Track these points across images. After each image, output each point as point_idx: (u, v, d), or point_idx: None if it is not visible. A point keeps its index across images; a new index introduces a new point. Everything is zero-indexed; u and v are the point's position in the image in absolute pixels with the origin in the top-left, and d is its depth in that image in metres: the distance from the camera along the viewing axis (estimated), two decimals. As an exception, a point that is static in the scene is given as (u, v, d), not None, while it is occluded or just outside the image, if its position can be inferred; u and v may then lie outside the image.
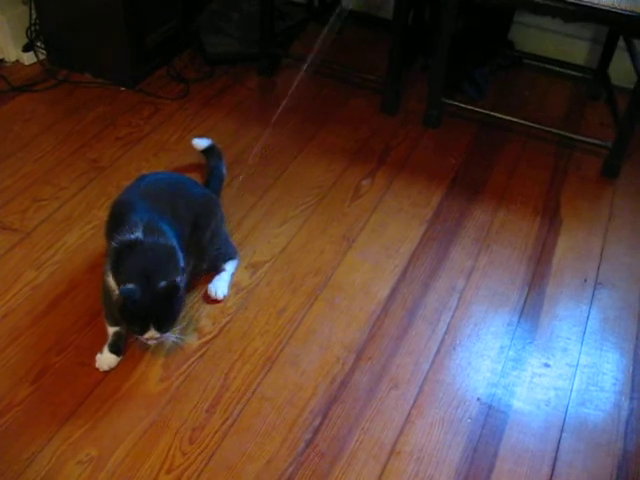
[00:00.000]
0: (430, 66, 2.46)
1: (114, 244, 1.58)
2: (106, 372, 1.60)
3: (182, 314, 1.64)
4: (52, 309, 1.74)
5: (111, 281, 1.57)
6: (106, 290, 1.61)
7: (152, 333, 1.53)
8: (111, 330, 1.63)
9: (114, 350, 1.62)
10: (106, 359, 1.61)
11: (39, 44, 2.59)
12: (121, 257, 1.55)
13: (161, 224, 1.61)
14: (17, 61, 2.61)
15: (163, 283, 1.50)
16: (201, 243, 1.74)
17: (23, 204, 2.03)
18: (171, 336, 1.60)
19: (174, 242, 1.60)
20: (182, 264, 1.60)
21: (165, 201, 1.70)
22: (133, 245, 1.56)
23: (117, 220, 1.64)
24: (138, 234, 1.57)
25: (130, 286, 1.47)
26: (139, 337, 1.55)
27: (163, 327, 1.54)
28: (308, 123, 2.45)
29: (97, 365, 1.61)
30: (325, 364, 1.66)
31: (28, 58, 2.59)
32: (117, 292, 1.53)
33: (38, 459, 1.43)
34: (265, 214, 2.05)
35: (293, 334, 1.72)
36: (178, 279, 1.54)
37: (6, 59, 2.60)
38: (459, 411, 1.58)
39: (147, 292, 1.48)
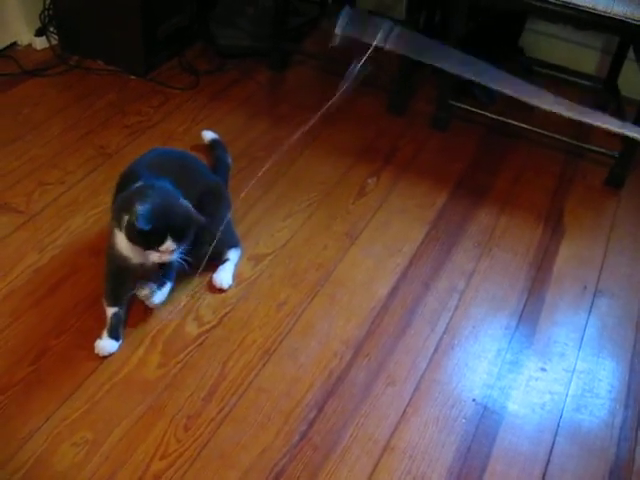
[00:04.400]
0: (440, 68, 2.46)
1: (119, 196, 1.64)
2: (105, 357, 1.61)
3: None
4: (53, 292, 1.74)
5: (118, 239, 1.58)
6: (110, 256, 1.63)
7: (168, 244, 1.55)
8: (110, 311, 1.63)
9: (113, 335, 1.62)
10: (105, 344, 1.61)
11: (52, 29, 2.60)
12: (127, 200, 1.59)
13: (163, 182, 1.66)
14: (29, 45, 2.61)
15: (184, 202, 1.58)
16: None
17: (29, 187, 2.03)
18: (178, 255, 1.61)
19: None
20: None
21: (170, 172, 1.73)
22: (138, 189, 1.61)
23: (122, 187, 1.70)
24: (140, 183, 1.63)
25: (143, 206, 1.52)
26: (154, 253, 1.57)
27: (181, 238, 1.57)
28: (316, 120, 2.45)
29: (96, 351, 1.61)
30: (323, 358, 1.67)
31: (40, 42, 2.60)
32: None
33: (34, 439, 1.44)
34: (270, 207, 2.06)
35: (292, 327, 1.73)
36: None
37: (18, 42, 2.61)
38: (454, 411, 1.59)
39: (161, 206, 1.54)
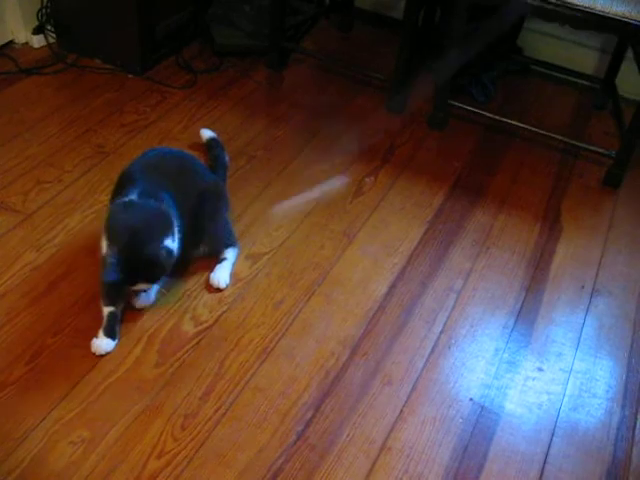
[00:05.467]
0: (438, 67, 2.46)
1: (110, 206, 1.67)
2: (101, 356, 1.60)
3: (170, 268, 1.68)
4: (50, 291, 1.74)
5: (104, 244, 1.61)
6: (103, 259, 1.64)
7: (141, 286, 1.62)
8: (106, 310, 1.63)
9: (110, 334, 1.62)
10: (102, 343, 1.61)
11: (49, 27, 2.59)
12: (113, 217, 1.64)
13: (158, 191, 1.68)
14: (26, 43, 2.61)
15: (150, 249, 1.57)
16: (201, 222, 1.78)
17: (26, 185, 2.03)
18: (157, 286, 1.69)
19: (169, 208, 1.66)
20: (176, 228, 1.66)
21: (167, 172, 1.76)
22: (127, 205, 1.64)
23: (117, 189, 1.72)
24: (133, 197, 1.65)
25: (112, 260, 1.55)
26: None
27: (151, 280, 1.63)
28: (313, 119, 2.45)
29: (93, 349, 1.61)
30: (320, 358, 1.67)
31: (38, 41, 2.59)
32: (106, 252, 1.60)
33: (30, 438, 1.44)
34: (267, 206, 2.06)
35: (289, 327, 1.73)
36: (169, 240, 1.62)
37: (16, 40, 2.60)
38: (451, 410, 1.59)
39: (131, 253, 1.56)
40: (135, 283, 1.60)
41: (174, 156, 1.90)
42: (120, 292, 1.66)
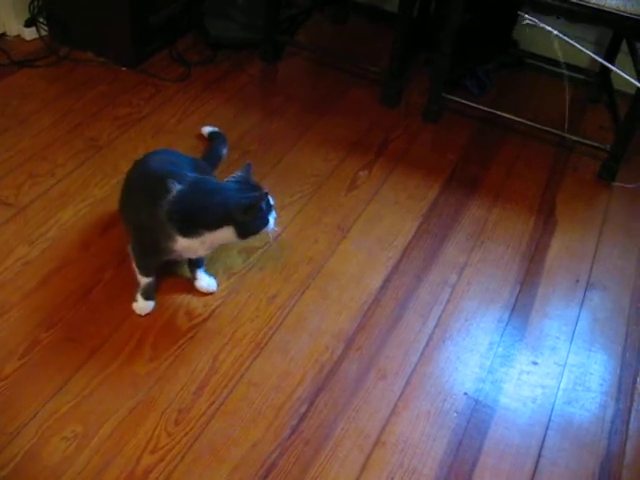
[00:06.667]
0: (433, 60, 2.46)
1: (173, 196, 1.56)
2: (94, 349, 1.60)
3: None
4: (43, 285, 1.73)
5: (179, 241, 1.57)
6: (155, 248, 1.62)
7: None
8: (144, 281, 1.67)
9: (147, 297, 1.68)
10: (143, 305, 1.69)
11: (41, 20, 2.57)
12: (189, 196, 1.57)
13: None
14: (18, 36, 2.59)
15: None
16: None
17: (19, 179, 2.02)
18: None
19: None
20: None
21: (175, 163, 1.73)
22: (192, 184, 1.59)
23: (154, 191, 1.60)
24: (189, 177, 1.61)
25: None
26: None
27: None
28: (308, 112, 2.45)
29: (137, 311, 1.68)
30: (314, 352, 1.66)
31: (30, 33, 2.57)
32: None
33: (23, 433, 1.43)
34: (261, 200, 2.05)
35: (283, 321, 1.72)
36: None
37: (7, 33, 2.58)
38: (446, 404, 1.59)
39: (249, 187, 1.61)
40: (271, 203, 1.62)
41: (164, 152, 1.88)
42: (153, 264, 1.68)
